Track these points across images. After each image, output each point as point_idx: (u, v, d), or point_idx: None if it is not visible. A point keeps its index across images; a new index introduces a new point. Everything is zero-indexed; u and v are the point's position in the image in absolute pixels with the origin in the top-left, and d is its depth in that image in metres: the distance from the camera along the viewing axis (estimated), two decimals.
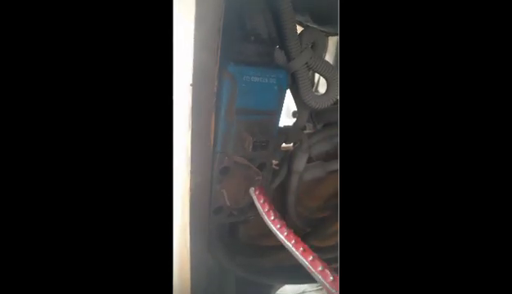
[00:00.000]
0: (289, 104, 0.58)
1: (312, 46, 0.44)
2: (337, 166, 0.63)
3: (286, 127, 0.55)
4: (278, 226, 0.37)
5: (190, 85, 0.34)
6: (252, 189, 0.43)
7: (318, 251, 0.72)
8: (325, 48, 0.46)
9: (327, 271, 0.31)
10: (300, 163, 0.57)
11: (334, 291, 0.30)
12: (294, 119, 0.56)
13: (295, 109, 0.55)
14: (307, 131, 0.63)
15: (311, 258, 0.32)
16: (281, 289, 0.85)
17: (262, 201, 0.41)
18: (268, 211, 0.40)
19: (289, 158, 0.58)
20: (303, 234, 0.70)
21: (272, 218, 0.38)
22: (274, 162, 0.61)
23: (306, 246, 0.34)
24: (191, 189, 0.41)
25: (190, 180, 0.40)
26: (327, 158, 0.64)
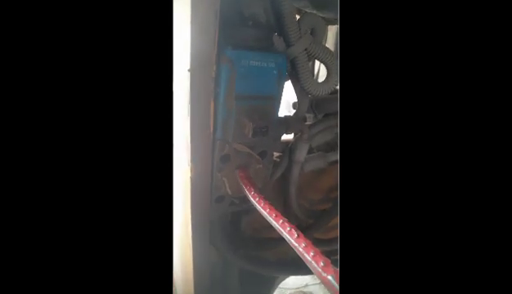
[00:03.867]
0: (289, 96, 0.58)
1: (311, 33, 0.44)
2: (337, 157, 0.63)
3: (287, 117, 0.54)
4: (262, 204, 0.37)
5: (188, 70, 0.34)
6: (236, 171, 0.43)
7: (321, 244, 0.73)
8: (324, 34, 0.46)
9: (309, 247, 0.31)
10: (301, 154, 0.57)
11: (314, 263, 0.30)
12: (295, 111, 0.56)
13: (295, 101, 0.55)
14: (308, 123, 0.62)
15: (296, 236, 0.33)
16: (284, 282, 0.85)
17: (245, 181, 0.42)
18: (251, 192, 0.40)
19: (289, 148, 0.58)
20: (306, 226, 0.70)
21: (257, 199, 0.39)
22: (275, 153, 0.61)
23: (294, 226, 0.34)
24: (192, 179, 0.40)
25: (191, 168, 0.40)
26: (328, 148, 0.64)
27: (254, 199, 0.38)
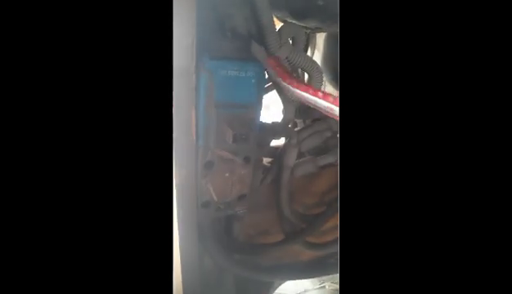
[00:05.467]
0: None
1: (292, 42, 0.45)
2: (327, 160, 0.64)
3: (274, 123, 0.55)
4: (302, 87, 0.34)
5: None
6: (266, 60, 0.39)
7: (315, 248, 0.73)
8: (304, 43, 0.47)
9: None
10: (290, 159, 0.58)
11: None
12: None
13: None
14: (298, 128, 0.63)
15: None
16: (283, 288, 0.85)
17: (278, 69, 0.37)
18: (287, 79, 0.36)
19: (279, 154, 0.59)
20: (299, 230, 0.70)
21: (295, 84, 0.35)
22: (266, 159, 0.62)
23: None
24: (177, 184, 0.42)
25: (175, 175, 0.41)
26: (318, 152, 0.65)
27: (292, 85, 0.35)
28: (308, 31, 0.58)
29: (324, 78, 0.51)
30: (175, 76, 0.35)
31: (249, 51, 0.40)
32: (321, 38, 0.79)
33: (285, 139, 0.59)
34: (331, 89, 0.80)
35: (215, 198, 0.46)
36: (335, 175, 0.74)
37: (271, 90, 0.52)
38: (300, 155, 0.60)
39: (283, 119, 0.55)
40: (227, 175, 0.45)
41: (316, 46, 0.78)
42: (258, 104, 0.42)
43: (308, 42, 0.69)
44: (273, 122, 0.56)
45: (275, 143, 0.60)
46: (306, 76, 0.79)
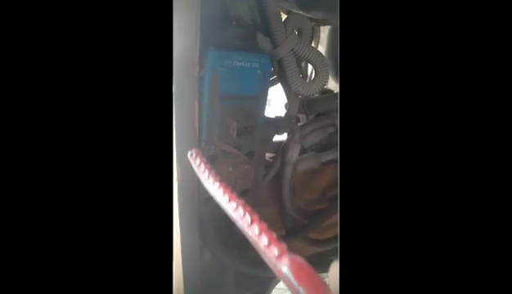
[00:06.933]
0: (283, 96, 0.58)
1: (298, 33, 0.44)
2: (330, 157, 0.63)
3: (278, 118, 0.54)
4: (217, 185, 0.29)
5: None
6: (189, 153, 0.33)
7: (317, 244, 0.72)
8: (311, 35, 0.46)
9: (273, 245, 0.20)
10: (293, 154, 0.57)
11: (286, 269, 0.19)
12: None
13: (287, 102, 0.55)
14: (301, 123, 0.62)
15: (248, 220, 0.23)
16: (283, 284, 0.84)
17: (198, 163, 0.32)
18: (206, 172, 0.31)
19: (282, 149, 0.58)
20: (301, 226, 0.70)
21: (211, 179, 0.30)
22: (268, 154, 0.61)
23: (250, 209, 0.24)
24: (179, 180, 0.40)
25: (177, 170, 0.40)
26: (320, 148, 0.64)
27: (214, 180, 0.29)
28: (313, 23, 0.56)
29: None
30: (178, 67, 0.34)
31: (255, 41, 0.39)
32: (324, 32, 0.78)
33: (288, 134, 0.58)
34: (334, 84, 0.79)
35: None
36: (337, 171, 0.74)
37: (277, 83, 0.51)
38: (303, 151, 0.59)
39: (286, 114, 0.54)
40: (231, 169, 0.44)
41: (320, 40, 0.76)
42: (263, 96, 0.41)
43: (313, 35, 0.68)
44: (276, 117, 0.55)
45: (277, 138, 0.59)
46: (309, 70, 0.78)
